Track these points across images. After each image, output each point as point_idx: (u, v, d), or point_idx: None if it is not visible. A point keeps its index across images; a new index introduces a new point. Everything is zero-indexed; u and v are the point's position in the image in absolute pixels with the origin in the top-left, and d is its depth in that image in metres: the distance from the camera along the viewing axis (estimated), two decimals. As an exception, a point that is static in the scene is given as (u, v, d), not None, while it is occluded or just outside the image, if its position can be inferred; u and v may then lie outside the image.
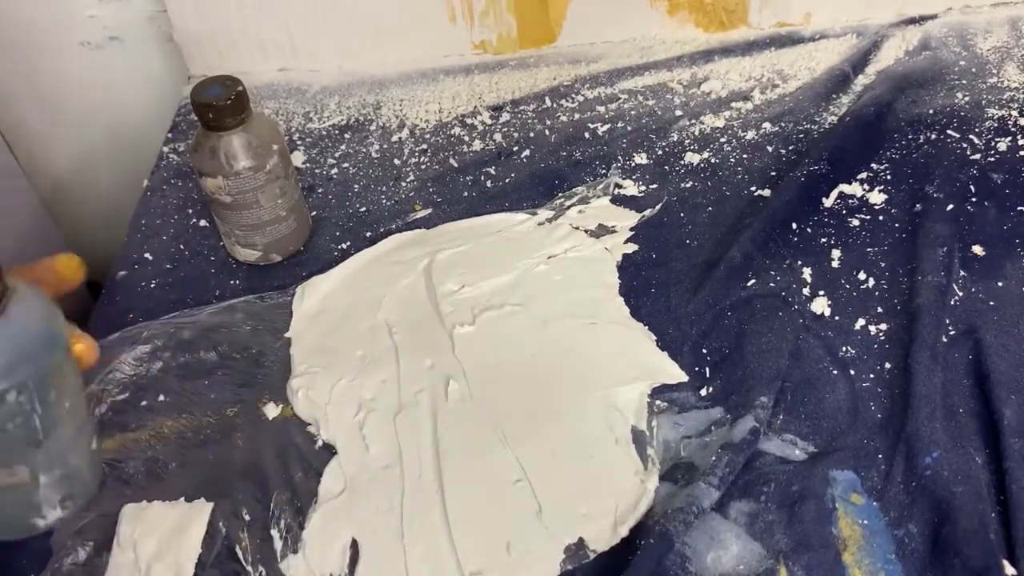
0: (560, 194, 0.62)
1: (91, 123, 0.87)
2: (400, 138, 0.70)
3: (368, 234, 0.61)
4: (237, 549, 0.43)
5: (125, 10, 0.79)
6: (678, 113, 0.69)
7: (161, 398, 0.50)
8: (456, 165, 0.66)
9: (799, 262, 0.55)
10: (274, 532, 0.44)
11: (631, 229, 0.59)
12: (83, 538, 0.44)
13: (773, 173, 0.62)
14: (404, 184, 0.65)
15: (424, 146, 0.69)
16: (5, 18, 0.79)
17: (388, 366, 0.51)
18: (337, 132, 0.72)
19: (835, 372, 0.48)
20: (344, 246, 0.60)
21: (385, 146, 0.69)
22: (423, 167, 0.67)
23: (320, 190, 0.66)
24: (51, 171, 0.89)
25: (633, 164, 0.64)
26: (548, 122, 0.70)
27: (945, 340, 0.48)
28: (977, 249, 0.54)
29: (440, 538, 0.42)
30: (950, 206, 0.56)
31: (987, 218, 0.56)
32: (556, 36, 0.78)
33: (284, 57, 0.78)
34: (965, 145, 0.62)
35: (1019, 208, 0.57)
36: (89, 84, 0.84)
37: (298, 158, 0.69)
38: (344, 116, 0.73)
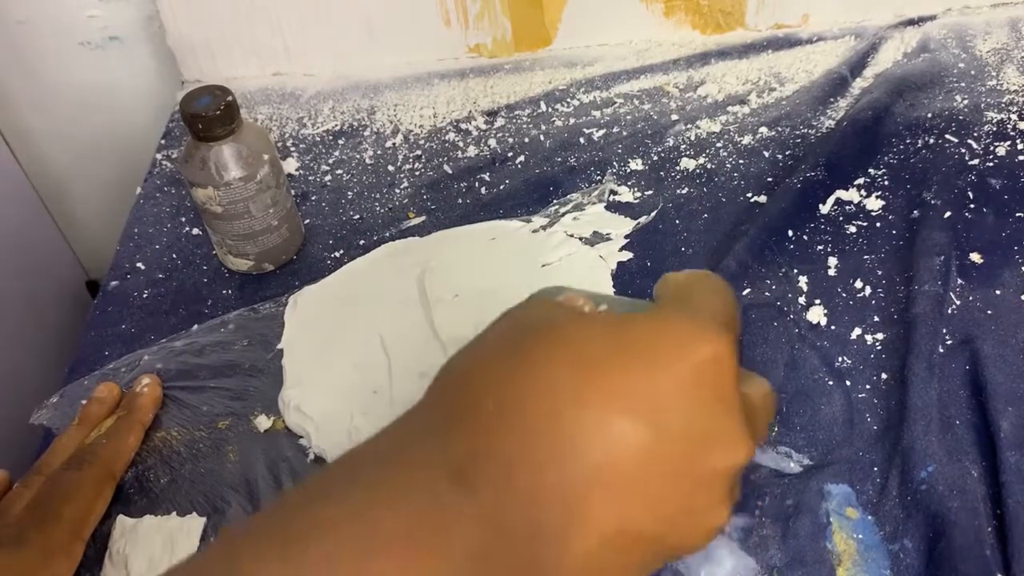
0: (555, 201, 0.62)
1: (91, 123, 0.86)
2: (394, 144, 0.70)
3: (361, 242, 0.60)
4: (228, 565, 0.43)
5: (125, 10, 0.79)
6: (674, 118, 0.69)
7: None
8: (450, 172, 0.66)
9: (795, 270, 0.54)
10: (265, 547, 0.43)
11: (626, 236, 0.58)
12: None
13: (769, 179, 0.62)
14: (398, 191, 0.65)
15: (418, 152, 0.69)
16: (5, 18, 0.79)
17: (380, 377, 0.50)
18: (331, 138, 0.71)
19: (831, 383, 0.48)
20: (337, 255, 0.60)
21: (379, 152, 0.69)
22: (417, 173, 0.66)
23: (313, 197, 0.65)
24: (50, 171, 0.89)
25: (628, 170, 0.64)
26: (543, 127, 0.70)
27: (942, 350, 0.48)
28: (975, 257, 0.53)
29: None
30: (948, 213, 0.56)
31: (985, 225, 0.56)
32: (552, 39, 0.77)
33: (278, 62, 0.77)
34: (963, 150, 0.61)
35: (1017, 214, 0.56)
36: (89, 84, 0.84)
37: (291, 165, 0.68)
38: (338, 121, 0.73)
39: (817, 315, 0.51)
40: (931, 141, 0.63)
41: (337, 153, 0.70)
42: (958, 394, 0.46)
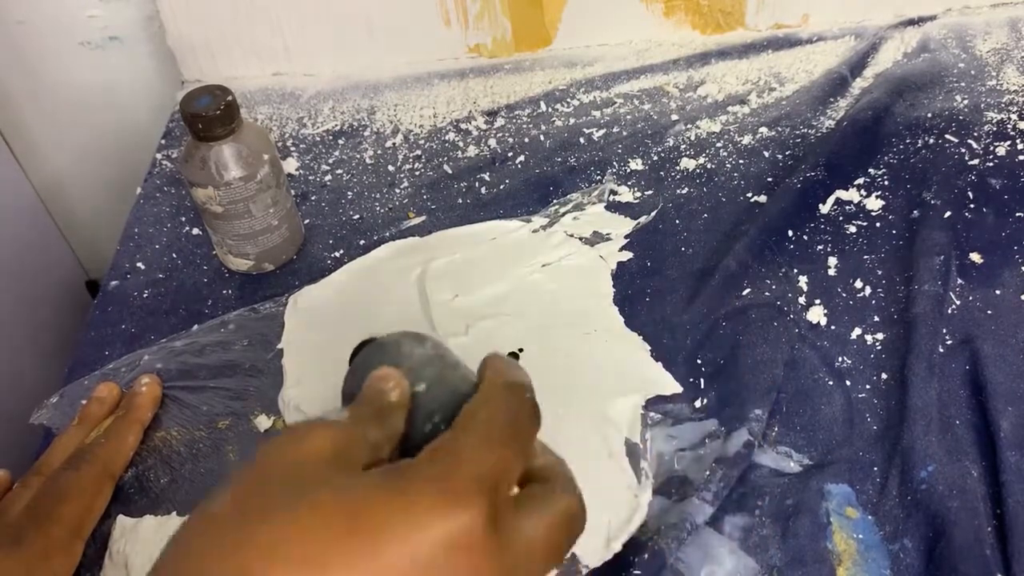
0: (555, 200, 0.62)
1: (91, 123, 0.87)
2: (394, 144, 0.70)
3: (361, 242, 0.60)
4: (228, 564, 0.43)
5: (125, 10, 0.79)
6: (674, 118, 0.69)
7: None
8: (450, 171, 0.66)
9: (795, 270, 0.54)
10: (265, 547, 0.43)
11: (626, 236, 0.58)
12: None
13: (769, 179, 0.62)
14: (398, 191, 0.65)
15: (418, 152, 0.69)
16: (5, 18, 0.79)
17: (381, 377, 0.50)
18: (331, 138, 0.71)
19: (831, 383, 0.48)
20: (337, 254, 0.60)
21: (379, 152, 0.69)
22: (417, 173, 0.66)
23: (313, 197, 0.65)
24: (50, 171, 0.89)
25: (628, 170, 0.64)
26: (543, 127, 0.70)
27: (942, 350, 0.48)
28: (975, 256, 0.53)
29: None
30: (948, 213, 0.56)
31: (985, 225, 0.56)
32: (552, 39, 0.77)
33: (278, 62, 0.77)
34: (963, 150, 0.61)
35: (1017, 214, 0.56)
36: (89, 84, 0.84)
37: (291, 164, 0.68)
38: (338, 121, 0.73)
39: (817, 315, 0.51)
40: (931, 141, 0.63)
41: (337, 153, 0.70)
42: (958, 394, 0.46)
